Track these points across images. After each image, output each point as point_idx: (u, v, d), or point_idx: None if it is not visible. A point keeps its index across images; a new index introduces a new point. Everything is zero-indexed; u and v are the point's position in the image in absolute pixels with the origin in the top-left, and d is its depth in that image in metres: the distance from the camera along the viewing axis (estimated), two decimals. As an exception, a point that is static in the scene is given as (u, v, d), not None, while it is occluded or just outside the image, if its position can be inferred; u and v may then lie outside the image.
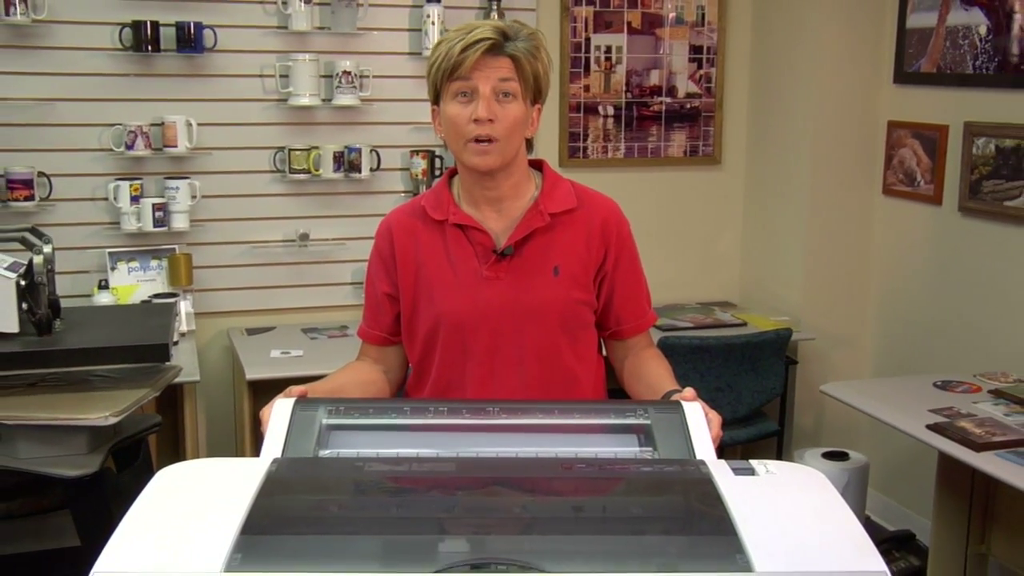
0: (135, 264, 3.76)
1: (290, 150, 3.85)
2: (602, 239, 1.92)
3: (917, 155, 3.86)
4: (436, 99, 1.86)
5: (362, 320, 2.02)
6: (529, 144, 1.92)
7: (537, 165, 1.97)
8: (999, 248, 3.52)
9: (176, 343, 3.22)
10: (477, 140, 1.79)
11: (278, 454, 1.44)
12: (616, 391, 2.05)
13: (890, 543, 3.78)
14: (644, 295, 2.01)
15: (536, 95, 1.85)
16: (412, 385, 2.00)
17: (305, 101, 3.80)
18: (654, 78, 4.28)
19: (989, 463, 2.74)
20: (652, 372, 1.91)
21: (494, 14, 3.89)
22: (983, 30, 3.53)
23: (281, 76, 3.80)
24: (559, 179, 1.95)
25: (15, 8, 3.44)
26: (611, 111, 4.26)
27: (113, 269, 3.74)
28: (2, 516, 2.83)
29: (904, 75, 3.92)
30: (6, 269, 2.61)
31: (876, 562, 1.12)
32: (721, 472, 1.32)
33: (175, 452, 3.58)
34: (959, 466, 3.04)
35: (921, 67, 3.83)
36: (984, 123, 3.54)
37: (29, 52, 3.58)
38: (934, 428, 2.94)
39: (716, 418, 1.57)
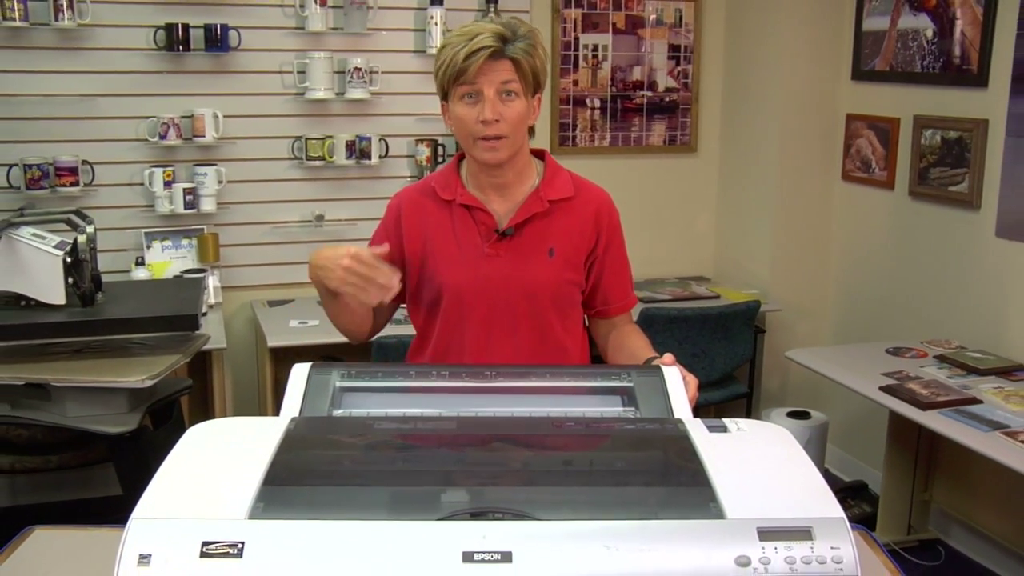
0: (168, 243, 3.75)
1: (307, 139, 3.83)
2: (595, 226, 1.91)
3: (872, 145, 3.85)
4: (444, 96, 1.82)
5: None
6: (531, 130, 1.90)
7: (540, 154, 1.95)
8: (944, 228, 3.52)
9: (205, 314, 3.20)
10: (485, 139, 1.77)
11: (296, 413, 1.43)
12: (597, 360, 2.04)
13: (846, 492, 3.79)
14: (629, 279, 2.00)
15: (536, 88, 1.83)
16: (415, 348, 1.98)
17: (320, 95, 3.77)
18: (636, 74, 4.25)
19: (934, 421, 2.75)
20: (633, 343, 1.91)
21: (491, 16, 3.87)
22: (930, 33, 3.52)
23: (299, 72, 3.78)
24: (559, 169, 1.93)
25: (63, 14, 3.43)
26: (597, 104, 4.23)
27: (148, 247, 3.72)
28: (53, 468, 2.84)
29: (860, 73, 3.91)
30: (54, 247, 2.61)
31: (835, 509, 1.12)
32: (696, 429, 1.32)
33: (205, 411, 3.58)
34: (907, 423, 3.05)
35: (875, 66, 3.81)
36: (931, 116, 3.53)
37: (74, 53, 3.56)
38: (886, 390, 2.95)
39: (692, 381, 1.57)
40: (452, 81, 1.76)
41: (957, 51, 3.40)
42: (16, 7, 3.38)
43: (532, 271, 1.86)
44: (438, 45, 3.77)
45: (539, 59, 1.80)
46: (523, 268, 1.86)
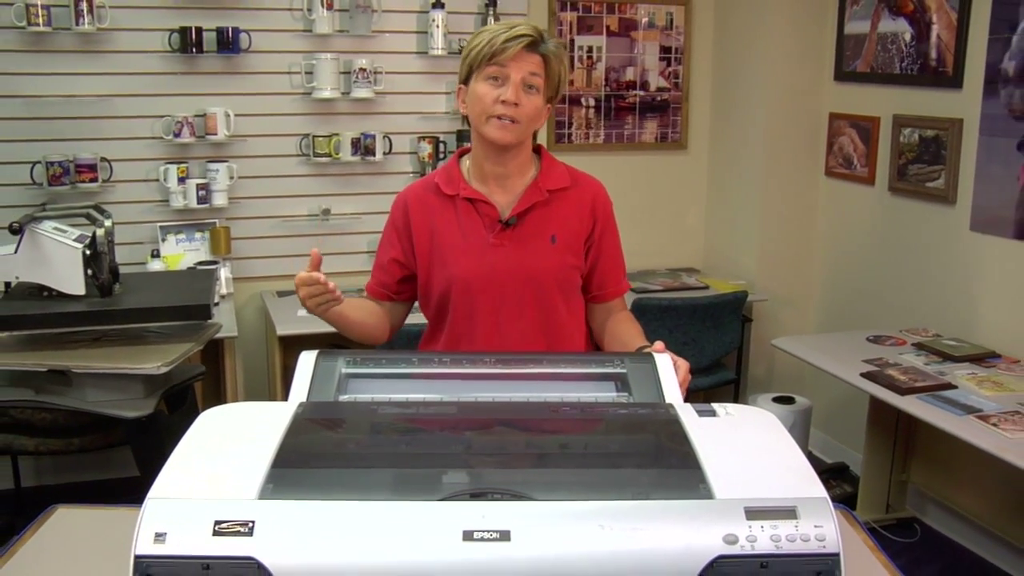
0: (182, 236, 3.75)
1: (314, 137, 3.82)
2: (591, 213, 1.91)
3: (854, 143, 3.84)
4: (466, 79, 1.83)
5: (371, 278, 2.00)
6: (534, 135, 1.91)
7: (537, 150, 1.95)
8: (922, 222, 3.52)
9: (217, 304, 3.20)
10: (500, 118, 1.78)
11: (303, 398, 1.42)
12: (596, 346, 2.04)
13: (828, 473, 3.80)
14: (622, 265, 2.00)
15: (553, 94, 1.85)
16: (427, 338, 1.98)
17: (327, 94, 3.76)
18: (629, 74, 4.24)
19: (912, 405, 2.75)
20: (627, 331, 1.91)
21: (491, 19, 3.85)
22: (908, 37, 3.51)
23: (306, 72, 3.77)
24: (555, 162, 1.94)
25: (83, 19, 3.43)
26: (592, 103, 4.22)
27: (163, 240, 3.72)
28: (74, 450, 2.84)
29: (843, 74, 3.90)
30: (74, 240, 2.62)
31: (818, 489, 1.12)
32: (687, 414, 1.32)
33: (217, 396, 3.58)
34: (887, 408, 3.05)
35: (857, 67, 3.80)
36: (909, 116, 3.53)
37: (94, 56, 3.55)
38: (866, 375, 2.95)
39: (683, 364, 1.56)
40: (485, 60, 1.78)
41: (933, 54, 3.39)
42: (40, 13, 3.38)
43: (536, 258, 1.86)
44: (441, 46, 3.81)
45: (564, 69, 1.85)
46: (527, 255, 1.86)
